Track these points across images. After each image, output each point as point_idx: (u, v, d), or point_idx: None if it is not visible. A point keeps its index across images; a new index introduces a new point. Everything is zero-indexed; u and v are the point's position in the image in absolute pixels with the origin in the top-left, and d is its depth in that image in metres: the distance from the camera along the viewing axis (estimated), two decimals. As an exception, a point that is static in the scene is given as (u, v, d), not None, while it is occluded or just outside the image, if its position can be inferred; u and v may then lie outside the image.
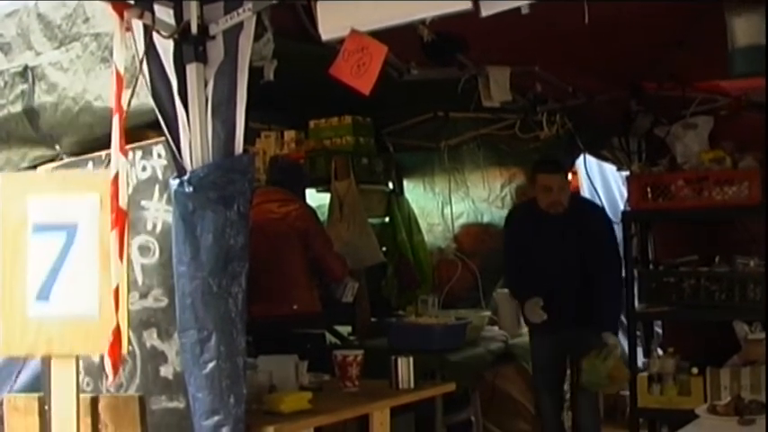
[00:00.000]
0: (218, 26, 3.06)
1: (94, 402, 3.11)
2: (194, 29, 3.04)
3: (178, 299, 3.07)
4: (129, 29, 3.01)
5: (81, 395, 3.17)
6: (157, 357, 3.28)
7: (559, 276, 5.21)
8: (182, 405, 3.19)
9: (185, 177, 3.05)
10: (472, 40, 4.32)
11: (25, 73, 3.90)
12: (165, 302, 3.26)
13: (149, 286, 3.29)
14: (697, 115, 5.70)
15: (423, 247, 6.76)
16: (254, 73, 3.15)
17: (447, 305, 6.30)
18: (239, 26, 3.06)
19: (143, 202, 3.33)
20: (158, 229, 3.30)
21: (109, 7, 2.97)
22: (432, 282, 6.71)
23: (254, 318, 3.39)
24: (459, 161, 6.81)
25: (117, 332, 2.88)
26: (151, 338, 3.28)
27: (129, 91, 3.02)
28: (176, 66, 3.07)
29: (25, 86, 3.90)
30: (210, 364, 3.02)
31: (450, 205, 6.88)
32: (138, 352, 3.31)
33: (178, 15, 3.07)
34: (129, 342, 3.26)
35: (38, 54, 3.86)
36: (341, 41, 3.14)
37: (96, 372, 3.39)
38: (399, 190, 6.93)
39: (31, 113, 3.88)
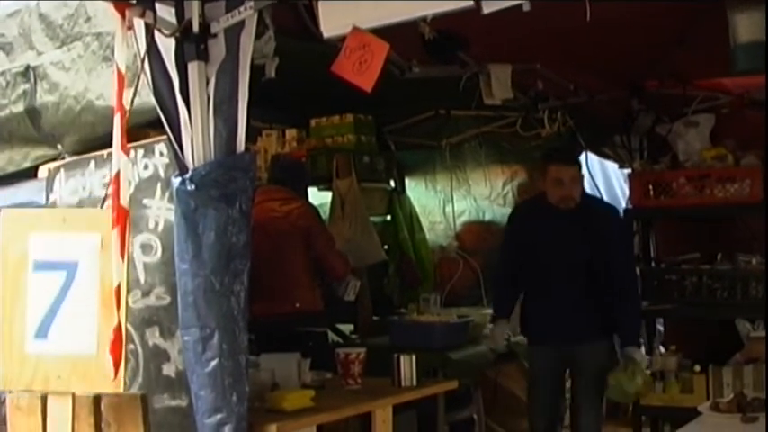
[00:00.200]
0: (219, 24, 3.06)
1: (97, 401, 3.10)
2: (196, 27, 3.04)
3: (180, 297, 3.07)
4: (130, 28, 3.02)
5: (83, 394, 3.18)
6: (160, 356, 3.28)
7: (564, 281, 4.83)
8: (184, 403, 3.19)
9: (187, 175, 3.05)
10: (473, 38, 4.32)
11: (27, 73, 3.90)
12: (167, 300, 3.26)
13: (151, 284, 3.29)
14: (699, 113, 5.70)
15: (424, 245, 6.76)
16: (256, 71, 3.16)
17: (449, 303, 6.31)
18: (241, 24, 3.06)
19: (145, 201, 3.33)
20: (160, 227, 3.30)
21: (110, 6, 2.98)
22: (433, 280, 6.72)
23: (255, 316, 3.39)
24: (461, 159, 6.82)
25: (118, 331, 2.89)
26: (153, 337, 3.28)
27: (131, 90, 3.02)
28: (178, 64, 3.07)
29: (27, 86, 3.91)
30: (213, 362, 3.02)
31: (451, 203, 6.89)
32: (140, 350, 3.31)
33: (179, 14, 3.07)
34: (132, 340, 3.27)
35: (39, 54, 3.87)
36: (342, 39, 3.14)
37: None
38: (401, 188, 6.94)
39: (32, 113, 3.89)
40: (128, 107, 2.97)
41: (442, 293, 6.42)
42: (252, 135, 5.15)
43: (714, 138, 5.67)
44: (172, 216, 3.16)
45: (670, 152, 5.77)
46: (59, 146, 3.88)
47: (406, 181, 7.05)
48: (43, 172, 3.79)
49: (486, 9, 2.94)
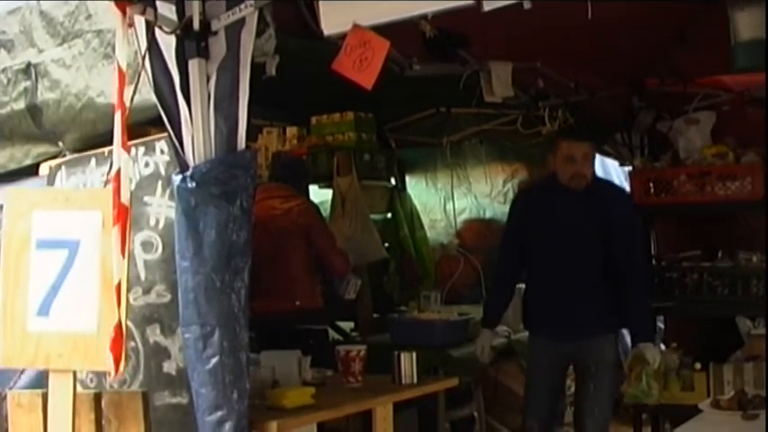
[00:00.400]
0: (220, 22, 3.06)
1: (98, 398, 3.11)
2: (196, 25, 3.04)
3: (181, 294, 3.08)
4: (131, 25, 3.01)
5: (84, 391, 3.19)
6: (160, 353, 3.28)
7: (572, 268, 4.57)
8: (185, 401, 3.19)
9: (188, 173, 3.05)
10: (474, 36, 4.32)
11: (28, 70, 3.91)
12: (167, 298, 3.26)
13: (152, 282, 3.30)
14: (699, 111, 5.69)
15: (425, 242, 6.77)
16: (256, 69, 3.16)
17: (449, 301, 6.32)
18: (241, 22, 3.06)
19: (146, 198, 3.33)
20: (161, 224, 3.30)
21: (111, 4, 2.98)
22: (434, 277, 6.73)
23: (255, 313, 3.40)
24: (462, 157, 6.83)
25: (119, 328, 2.89)
26: (154, 334, 3.28)
27: (132, 87, 3.02)
28: (178, 61, 3.07)
29: (28, 83, 3.91)
30: (213, 360, 3.02)
31: (452, 201, 6.90)
32: (141, 348, 3.31)
33: (180, 11, 3.07)
34: (133, 338, 3.27)
35: (40, 51, 3.87)
36: (343, 37, 3.14)
37: (99, 368, 3.40)
38: (401, 186, 6.94)
39: (34, 110, 3.89)
40: (128, 104, 2.97)
41: (442, 291, 6.42)
42: (252, 133, 5.17)
43: (715, 135, 5.66)
44: (172, 213, 3.16)
45: (671, 150, 5.76)
46: (60, 143, 3.89)
47: (407, 179, 7.06)
48: (44, 169, 3.79)
49: (487, 7, 2.94)
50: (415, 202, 6.90)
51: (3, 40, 4.00)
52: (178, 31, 3.05)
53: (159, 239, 3.30)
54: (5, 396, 3.27)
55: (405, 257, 6.66)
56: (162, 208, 3.31)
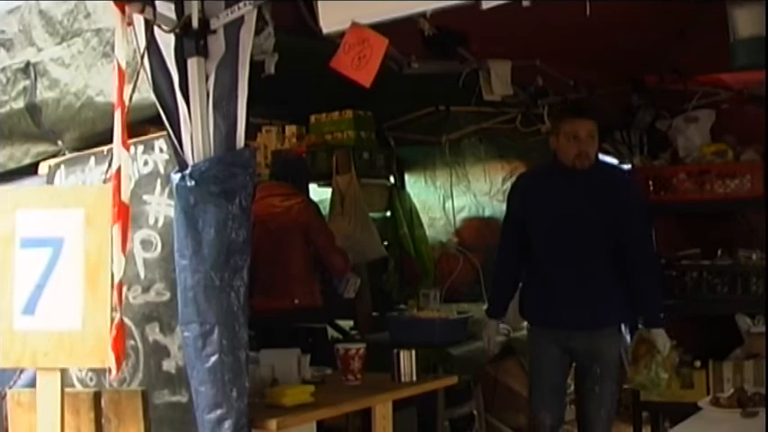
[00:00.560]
0: (218, 20, 3.06)
1: (97, 397, 3.11)
2: (195, 23, 3.04)
3: (180, 293, 3.07)
4: (130, 24, 3.02)
5: (84, 390, 3.19)
6: (160, 352, 3.28)
7: (576, 254, 4.37)
8: (184, 399, 3.19)
9: (187, 171, 3.05)
10: (473, 34, 4.32)
11: (27, 69, 3.90)
12: (167, 296, 3.26)
13: (151, 280, 3.30)
14: (699, 109, 5.70)
15: (424, 241, 6.77)
16: (255, 67, 3.16)
17: (448, 299, 6.32)
18: (240, 20, 3.06)
19: (145, 197, 3.33)
20: (160, 223, 3.30)
21: (110, 3, 2.98)
22: (433, 276, 6.73)
23: (255, 311, 3.40)
24: (461, 155, 6.83)
25: (120, 327, 2.90)
26: (153, 333, 3.28)
27: (131, 86, 3.02)
28: (177, 60, 3.07)
29: (27, 82, 3.91)
30: (213, 358, 3.02)
31: (451, 199, 6.89)
32: (140, 346, 3.31)
33: (179, 10, 3.07)
34: (132, 336, 3.27)
35: (39, 50, 3.87)
36: (341, 35, 3.15)
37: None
38: (401, 184, 6.94)
39: (33, 109, 3.89)
40: (128, 103, 2.97)
41: (441, 289, 6.43)
42: (251, 131, 5.17)
43: (714, 133, 5.67)
44: (172, 212, 3.16)
45: (670, 148, 5.76)
46: (60, 142, 3.89)
47: (406, 177, 7.05)
48: (44, 168, 3.80)
49: (486, 5, 2.94)
50: (415, 200, 6.90)
51: (2, 39, 3.99)
52: (177, 30, 3.04)
53: (158, 238, 3.30)
54: (5, 395, 3.27)
55: (404, 256, 6.66)
56: (161, 206, 3.31)
